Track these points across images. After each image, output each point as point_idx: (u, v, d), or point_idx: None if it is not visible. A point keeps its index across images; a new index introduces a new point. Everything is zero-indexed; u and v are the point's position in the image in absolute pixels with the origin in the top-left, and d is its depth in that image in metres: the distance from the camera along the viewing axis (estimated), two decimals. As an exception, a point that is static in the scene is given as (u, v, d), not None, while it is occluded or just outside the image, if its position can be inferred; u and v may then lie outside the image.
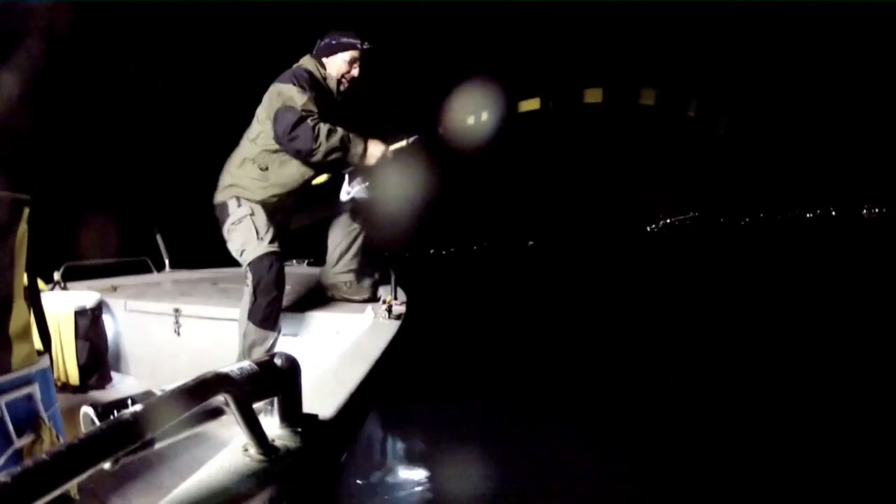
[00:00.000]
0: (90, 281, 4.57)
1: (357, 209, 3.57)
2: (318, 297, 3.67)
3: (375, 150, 3.15)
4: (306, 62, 3.29)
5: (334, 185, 3.49)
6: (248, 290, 2.96)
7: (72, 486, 0.62)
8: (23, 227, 1.65)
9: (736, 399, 5.85)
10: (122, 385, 3.73)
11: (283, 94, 3.06)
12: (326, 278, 3.65)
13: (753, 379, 6.53)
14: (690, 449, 4.57)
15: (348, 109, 3.34)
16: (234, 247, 3.13)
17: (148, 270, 5.40)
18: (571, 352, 8.47)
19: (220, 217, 3.21)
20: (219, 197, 3.24)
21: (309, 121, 2.98)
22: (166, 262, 5.59)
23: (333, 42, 3.30)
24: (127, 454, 0.71)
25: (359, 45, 3.29)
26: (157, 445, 0.81)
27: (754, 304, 12.16)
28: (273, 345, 3.01)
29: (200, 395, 0.83)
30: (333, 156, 3.03)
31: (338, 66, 3.29)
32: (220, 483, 0.91)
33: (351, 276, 3.59)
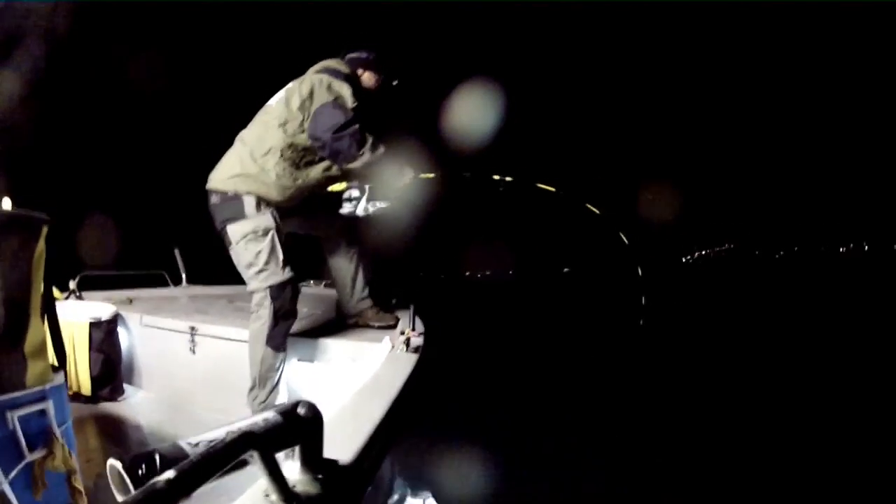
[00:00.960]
0: (106, 292, 4.59)
1: (350, 232, 3.52)
2: (334, 322, 3.64)
3: (407, 174, 3.12)
4: (343, 66, 3.21)
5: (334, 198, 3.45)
6: (266, 315, 2.89)
7: None
8: (41, 246, 1.64)
9: (736, 403, 5.89)
10: (135, 398, 3.73)
11: (335, 91, 2.97)
12: (347, 308, 3.57)
13: (755, 389, 6.60)
14: (691, 449, 4.59)
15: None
16: (246, 259, 2.95)
17: (165, 284, 5.42)
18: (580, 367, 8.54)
19: (225, 209, 3.00)
20: (228, 185, 3.00)
21: (358, 126, 2.91)
22: (183, 276, 5.60)
23: (371, 58, 3.27)
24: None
25: (387, 76, 3.30)
26: (181, 504, 0.78)
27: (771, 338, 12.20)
28: (282, 364, 2.97)
29: (232, 456, 0.81)
30: (370, 168, 2.97)
31: (370, 82, 3.26)
32: (240, 531, 0.89)
33: (370, 303, 3.54)
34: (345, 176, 3.16)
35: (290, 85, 3.12)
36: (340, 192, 3.31)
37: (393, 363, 2.42)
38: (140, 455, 0.84)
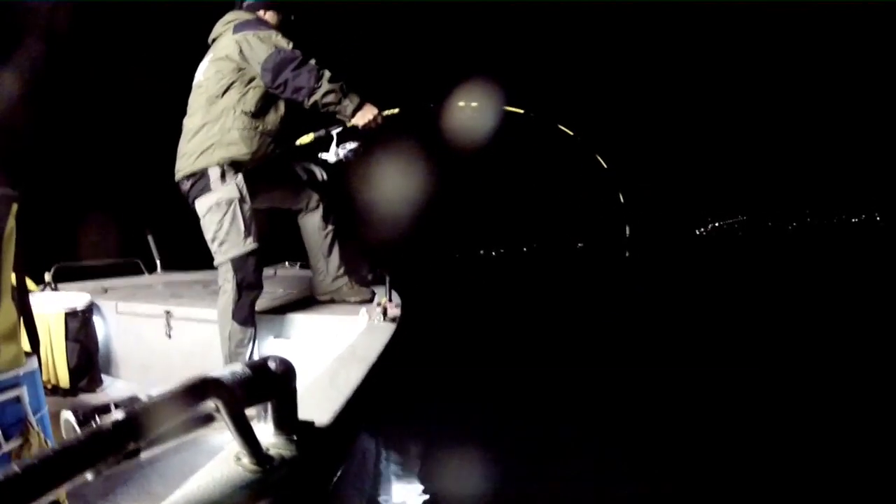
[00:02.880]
0: (81, 282, 4.53)
1: (327, 209, 3.51)
2: (310, 300, 3.62)
3: (369, 110, 3.04)
4: (249, 15, 3.19)
5: (291, 167, 3.47)
6: (229, 288, 2.91)
7: (54, 497, 0.57)
8: (10, 224, 1.61)
9: (737, 401, 5.83)
10: (113, 388, 3.69)
11: (268, 40, 2.97)
12: (322, 286, 3.57)
13: (758, 384, 6.51)
14: (690, 450, 4.56)
15: None
16: (210, 232, 2.97)
17: (139, 272, 5.37)
18: (576, 352, 8.51)
19: (195, 188, 3.01)
20: (194, 164, 3.00)
21: (312, 59, 2.93)
22: (158, 263, 5.56)
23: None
24: (110, 465, 0.66)
25: (284, 11, 3.28)
26: (143, 455, 0.75)
27: (781, 310, 12.13)
28: (253, 341, 2.97)
29: (189, 402, 0.77)
30: (330, 98, 2.92)
31: (273, 20, 3.23)
32: (211, 494, 0.86)
33: (346, 279, 3.53)
34: (309, 123, 3.18)
35: (209, 56, 3.15)
36: (309, 145, 3.29)
37: (370, 333, 2.42)
38: (95, 407, 0.82)
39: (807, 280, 19.24)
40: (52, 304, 3.52)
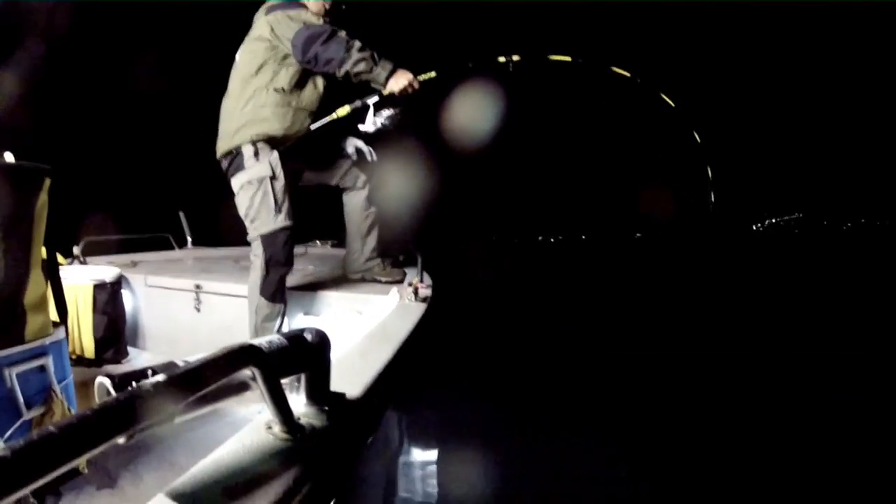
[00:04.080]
0: (110, 256, 4.57)
1: (372, 192, 3.51)
2: (341, 278, 3.63)
3: (403, 76, 2.99)
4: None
5: (340, 144, 3.47)
6: (259, 265, 2.94)
7: (82, 461, 0.56)
8: (42, 198, 1.64)
9: (738, 401, 5.80)
10: (139, 360, 3.72)
11: (298, 17, 2.98)
12: (355, 265, 3.59)
13: (762, 384, 6.47)
14: (690, 450, 4.54)
15: None
16: (243, 208, 3.01)
17: (170, 247, 5.40)
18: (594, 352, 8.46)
19: (232, 166, 3.06)
20: (230, 143, 3.04)
21: (341, 30, 2.92)
22: (188, 239, 5.59)
23: None
24: (143, 429, 0.65)
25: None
26: (177, 420, 0.74)
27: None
28: (282, 317, 3.01)
29: (227, 368, 0.76)
30: (361, 67, 2.90)
31: (318, 7, 3.17)
32: (243, 461, 0.85)
33: (378, 260, 3.55)
34: (348, 81, 3.07)
35: (246, 41, 3.16)
36: (349, 118, 3.24)
37: (401, 312, 2.41)
38: (132, 372, 0.81)
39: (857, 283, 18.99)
40: (80, 277, 3.55)
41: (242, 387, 0.86)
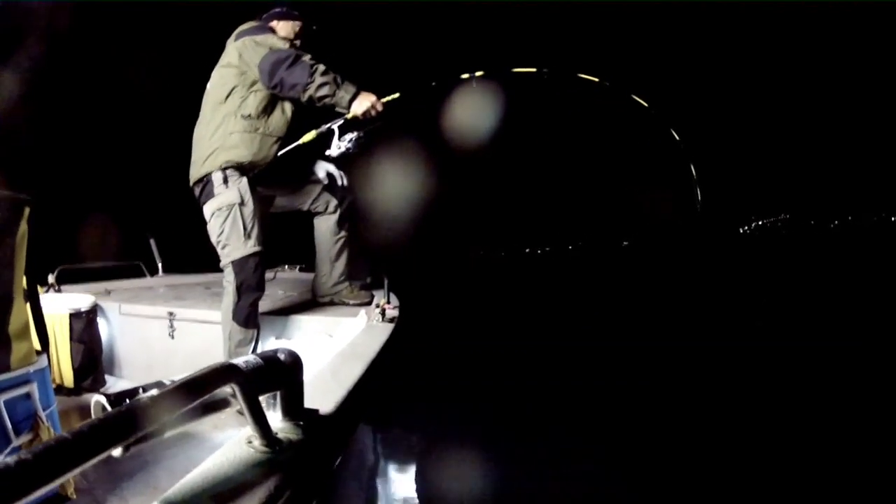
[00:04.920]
0: (84, 284, 4.57)
1: (343, 217, 3.56)
2: (311, 302, 3.70)
3: (366, 98, 3.04)
4: (257, 24, 3.24)
5: (310, 169, 3.51)
6: (231, 290, 2.96)
7: (73, 476, 0.62)
8: (23, 227, 1.67)
9: (738, 401, 5.86)
10: (116, 388, 3.70)
11: (264, 43, 3.03)
12: (323, 289, 3.65)
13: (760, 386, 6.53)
14: (689, 450, 4.60)
15: None
16: (214, 235, 3.03)
17: (141, 275, 5.41)
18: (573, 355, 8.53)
19: (203, 194, 3.08)
20: (201, 170, 3.08)
21: (306, 54, 2.97)
22: (160, 266, 5.60)
23: (285, 10, 3.28)
24: (138, 441, 0.73)
25: (305, 21, 3.29)
26: (167, 434, 0.83)
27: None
28: (255, 341, 3.02)
29: (211, 384, 0.85)
30: (324, 91, 2.95)
31: (287, 30, 3.25)
32: (227, 473, 0.94)
33: (346, 284, 3.62)
34: (313, 105, 3.12)
35: (217, 67, 3.20)
36: (315, 142, 3.31)
37: (369, 332, 2.49)
38: (125, 391, 0.89)
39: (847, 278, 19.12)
40: (56, 305, 3.56)
41: (223, 403, 0.95)
